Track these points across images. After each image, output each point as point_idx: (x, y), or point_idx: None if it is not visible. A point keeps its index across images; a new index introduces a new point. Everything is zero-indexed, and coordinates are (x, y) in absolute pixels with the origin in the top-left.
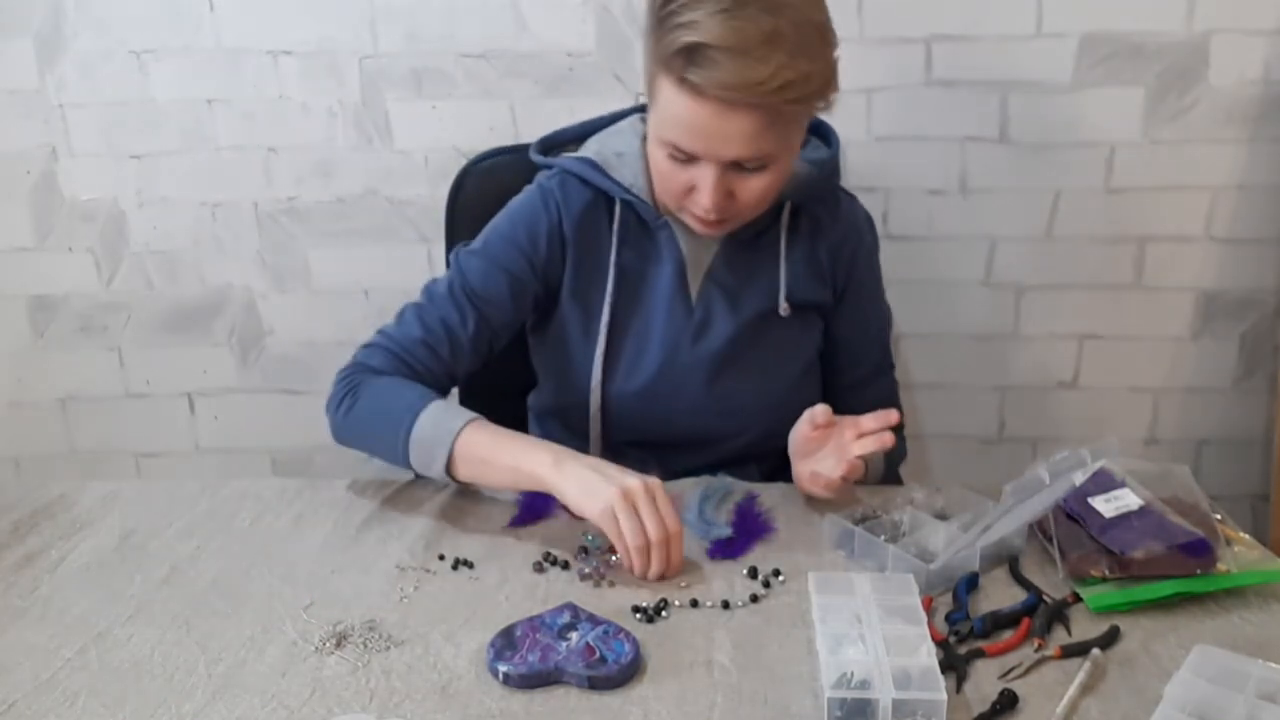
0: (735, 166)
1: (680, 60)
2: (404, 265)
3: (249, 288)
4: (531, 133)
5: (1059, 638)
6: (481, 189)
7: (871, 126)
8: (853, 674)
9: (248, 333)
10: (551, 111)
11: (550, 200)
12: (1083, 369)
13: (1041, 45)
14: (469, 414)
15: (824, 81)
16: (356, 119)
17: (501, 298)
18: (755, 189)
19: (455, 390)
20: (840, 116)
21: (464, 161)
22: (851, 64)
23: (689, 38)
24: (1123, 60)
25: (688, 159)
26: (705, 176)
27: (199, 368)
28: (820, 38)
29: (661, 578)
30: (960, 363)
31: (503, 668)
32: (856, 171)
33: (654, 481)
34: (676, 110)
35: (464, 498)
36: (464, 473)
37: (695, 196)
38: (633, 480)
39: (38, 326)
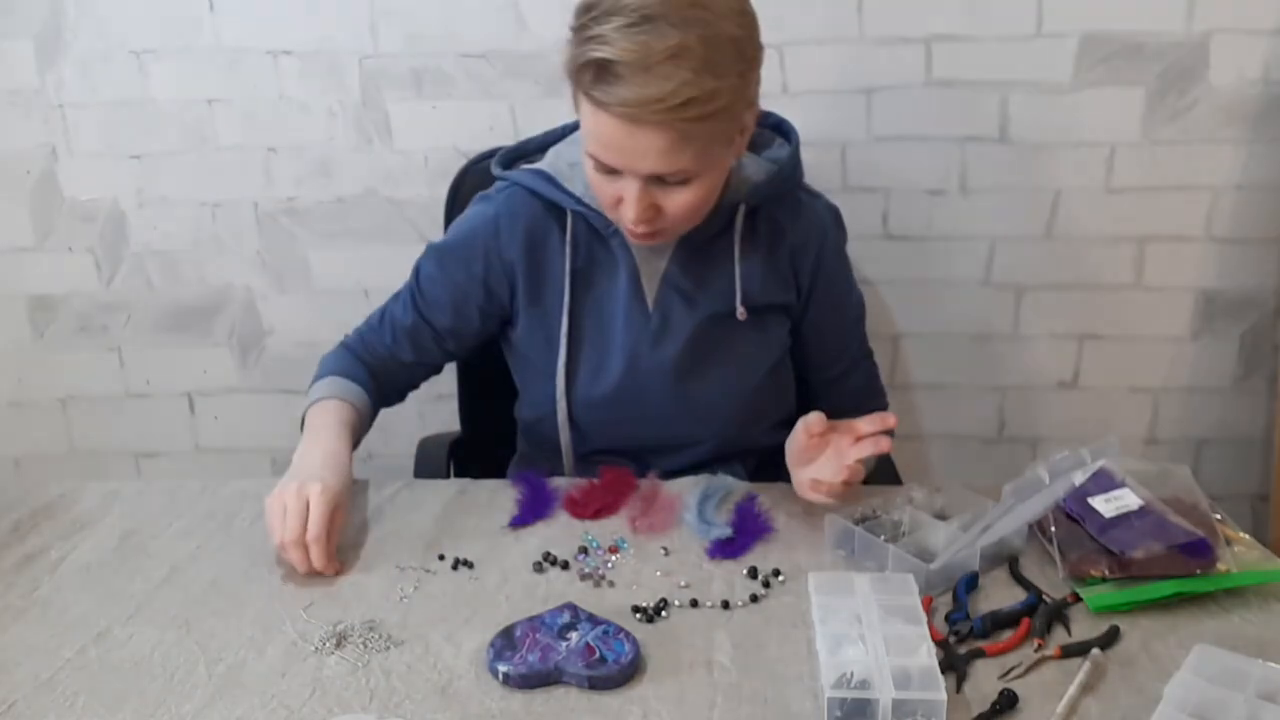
0: (658, 180)
1: (588, 75)
2: (404, 265)
3: (249, 288)
4: (531, 133)
5: (1059, 638)
6: (482, 189)
7: (871, 126)
8: (853, 674)
9: (248, 333)
10: (551, 111)
11: (495, 217)
12: (1083, 369)
13: (1041, 45)
14: (345, 394)
15: (733, 99)
16: (356, 119)
17: (441, 302)
18: (681, 203)
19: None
20: (840, 116)
21: (464, 161)
22: (851, 64)
23: (595, 53)
24: (1123, 60)
25: (612, 171)
26: (628, 189)
27: (199, 368)
28: (735, 53)
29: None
30: (960, 363)
31: (503, 668)
32: (856, 171)
33: (313, 489)
34: (591, 125)
35: (464, 497)
36: None
37: (622, 208)
38: (292, 485)
39: (38, 326)
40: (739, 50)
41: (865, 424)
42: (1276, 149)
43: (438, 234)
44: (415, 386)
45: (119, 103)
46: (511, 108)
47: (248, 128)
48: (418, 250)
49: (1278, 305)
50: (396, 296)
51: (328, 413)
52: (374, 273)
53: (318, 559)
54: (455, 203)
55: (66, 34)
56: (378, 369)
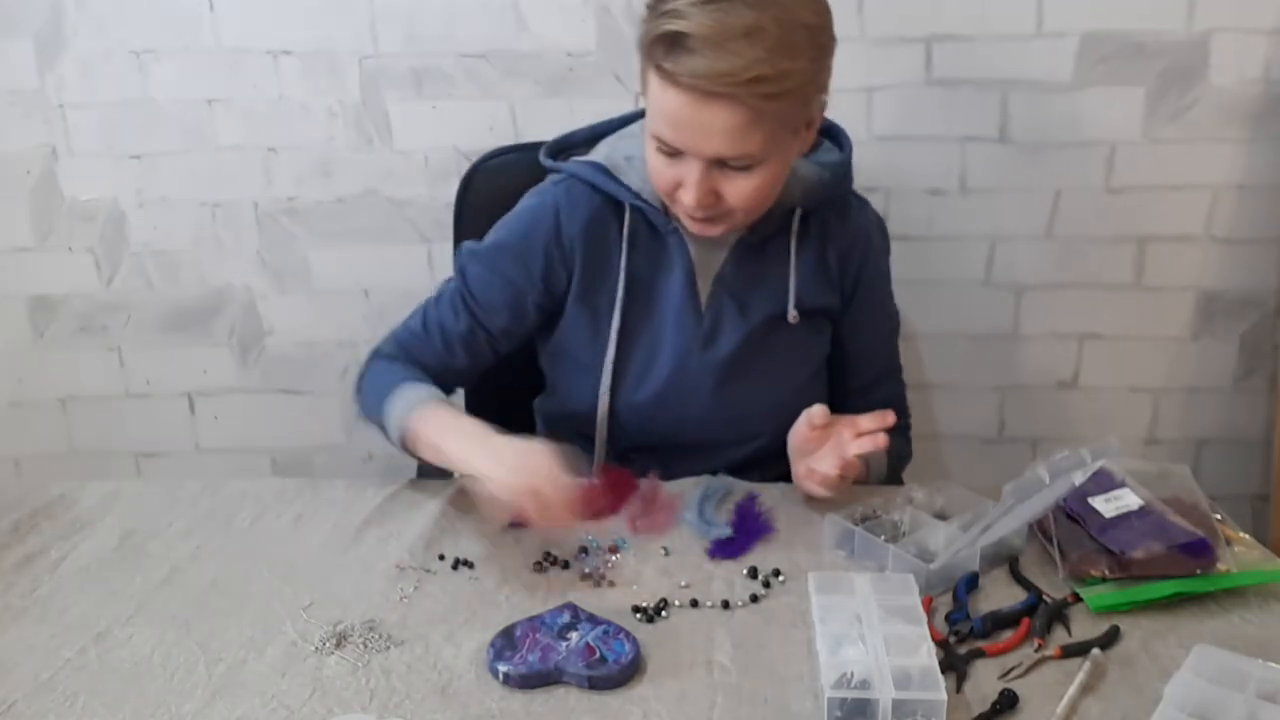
0: (721, 165)
1: (660, 48)
2: (404, 265)
3: (249, 288)
4: (531, 133)
5: (1059, 638)
6: (489, 188)
7: (871, 126)
8: (853, 674)
9: (248, 333)
10: (551, 111)
11: (554, 207)
12: (1083, 369)
13: (1041, 45)
14: (435, 396)
15: (804, 82)
16: (356, 119)
17: (497, 304)
18: (742, 190)
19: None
20: (840, 116)
21: (464, 161)
22: (851, 64)
23: (670, 26)
24: (1123, 60)
25: (674, 153)
26: (690, 172)
27: (199, 368)
28: (808, 39)
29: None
30: (960, 363)
31: (503, 668)
32: (857, 171)
33: (556, 482)
34: (659, 102)
35: (464, 497)
36: (421, 452)
37: (682, 192)
38: (515, 462)
39: (38, 326)
40: (812, 37)
41: (866, 420)
42: (1276, 149)
43: (438, 234)
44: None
45: (119, 103)
46: (511, 108)
47: (248, 128)
48: (418, 250)
49: (1278, 305)
50: (437, 302)
51: (444, 410)
52: (374, 273)
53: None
54: (464, 203)
55: (66, 34)
56: (434, 380)
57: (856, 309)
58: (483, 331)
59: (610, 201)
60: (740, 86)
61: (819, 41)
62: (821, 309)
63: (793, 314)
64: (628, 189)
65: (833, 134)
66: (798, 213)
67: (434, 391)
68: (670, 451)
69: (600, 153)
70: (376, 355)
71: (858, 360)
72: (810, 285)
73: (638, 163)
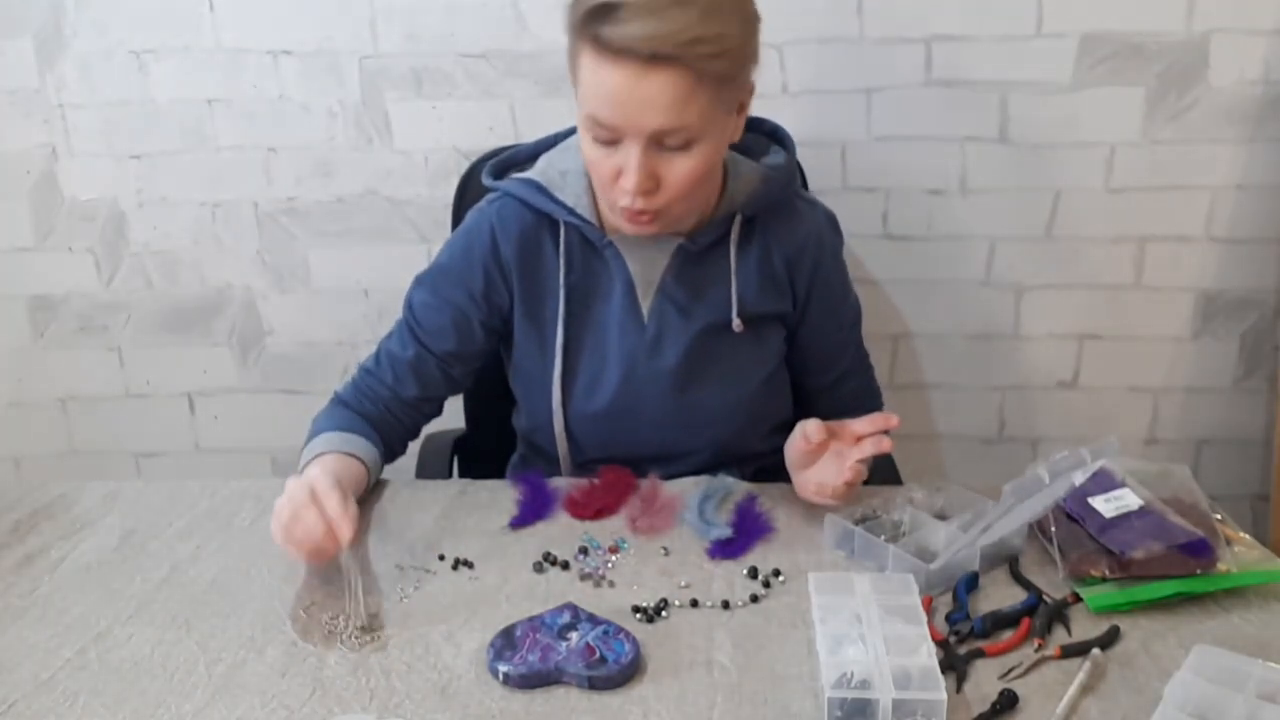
0: (659, 146)
1: (595, 20)
2: (404, 265)
3: (249, 288)
4: (531, 133)
5: (1059, 638)
6: (487, 190)
7: (871, 126)
8: (853, 674)
9: (248, 333)
10: (551, 111)
11: (487, 226)
12: (1083, 369)
13: (1041, 45)
14: (334, 449)
15: (738, 46)
16: (356, 119)
17: (443, 327)
18: (681, 172)
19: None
20: (840, 116)
21: (463, 161)
22: (851, 64)
23: None
24: (1123, 60)
25: (611, 139)
26: (630, 155)
27: (199, 368)
28: (734, 6)
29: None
30: (960, 363)
31: (503, 668)
32: (856, 171)
33: (315, 478)
34: (595, 81)
35: (464, 498)
36: None
37: (622, 180)
38: (297, 492)
39: (38, 326)
40: (739, 7)
41: (864, 425)
42: (1276, 149)
43: (438, 234)
44: (416, 434)
45: (119, 103)
46: (511, 108)
47: (248, 128)
48: (418, 250)
49: (1278, 305)
50: (389, 336)
51: (320, 464)
52: (374, 273)
53: (341, 522)
54: (462, 203)
55: (66, 34)
56: (378, 418)
57: (815, 311)
58: (431, 357)
59: (545, 218)
60: (680, 47)
61: (746, 12)
62: (770, 314)
63: (736, 322)
64: (562, 205)
65: (778, 137)
66: (737, 219)
67: (347, 440)
68: (632, 461)
69: (537, 169)
70: (333, 398)
71: (821, 360)
72: (755, 292)
73: (572, 176)
